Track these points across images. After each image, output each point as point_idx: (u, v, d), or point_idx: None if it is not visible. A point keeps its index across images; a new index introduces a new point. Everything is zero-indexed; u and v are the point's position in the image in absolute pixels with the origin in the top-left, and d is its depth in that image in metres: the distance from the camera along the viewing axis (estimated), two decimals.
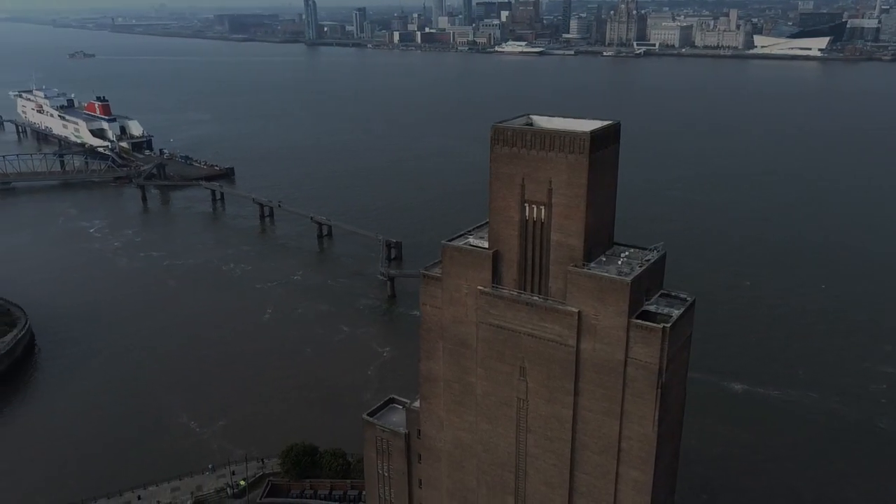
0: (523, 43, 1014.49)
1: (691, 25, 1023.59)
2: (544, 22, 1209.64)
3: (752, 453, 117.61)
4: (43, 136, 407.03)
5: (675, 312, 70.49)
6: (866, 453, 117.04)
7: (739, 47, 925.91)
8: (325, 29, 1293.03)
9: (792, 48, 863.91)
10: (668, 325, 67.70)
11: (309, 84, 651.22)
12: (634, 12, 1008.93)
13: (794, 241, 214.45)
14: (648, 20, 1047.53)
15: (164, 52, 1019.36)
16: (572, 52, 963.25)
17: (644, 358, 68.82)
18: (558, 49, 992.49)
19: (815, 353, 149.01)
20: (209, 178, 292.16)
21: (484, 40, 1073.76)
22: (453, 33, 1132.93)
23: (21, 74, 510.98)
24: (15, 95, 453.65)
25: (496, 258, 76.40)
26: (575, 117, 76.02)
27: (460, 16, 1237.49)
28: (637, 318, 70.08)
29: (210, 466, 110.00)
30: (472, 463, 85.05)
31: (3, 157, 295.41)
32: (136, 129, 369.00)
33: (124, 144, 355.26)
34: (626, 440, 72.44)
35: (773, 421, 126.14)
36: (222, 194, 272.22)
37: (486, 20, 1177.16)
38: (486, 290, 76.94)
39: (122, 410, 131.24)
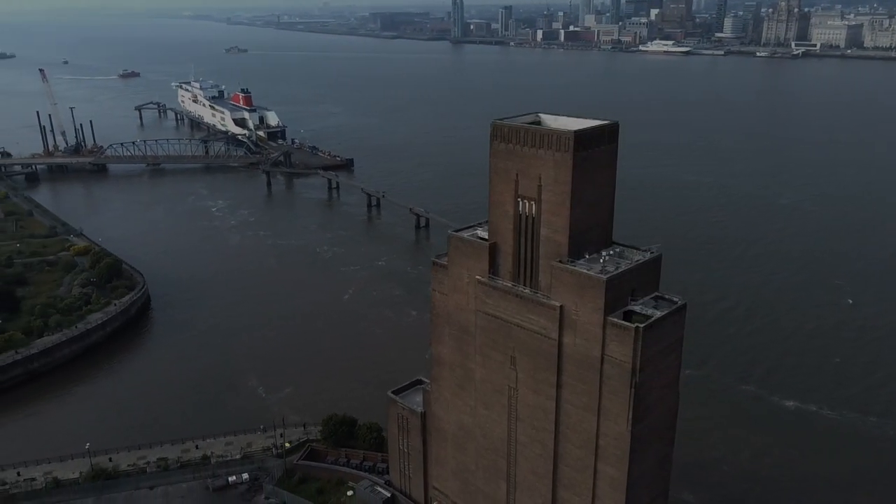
0: (669, 42, 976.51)
1: (861, 24, 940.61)
2: (696, 20, 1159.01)
3: (792, 472, 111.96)
4: (196, 124, 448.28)
5: (657, 314, 70.47)
6: None
7: None
8: (472, 27, 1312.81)
9: None
10: (643, 325, 68.10)
11: (443, 81, 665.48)
12: (796, 10, 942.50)
13: None
14: (812, 18, 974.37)
15: (315, 48, 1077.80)
16: (722, 53, 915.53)
17: (618, 356, 69.72)
18: (707, 49, 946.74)
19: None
20: (330, 168, 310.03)
21: (629, 39, 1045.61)
22: (598, 31, 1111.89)
23: (186, 67, 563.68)
24: (176, 86, 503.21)
25: (493, 250, 79.67)
26: (591, 118, 77.43)
27: (608, 14, 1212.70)
28: (622, 317, 70.99)
29: (261, 427, 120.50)
30: (472, 446, 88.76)
31: (156, 141, 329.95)
32: (272, 119, 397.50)
33: (261, 133, 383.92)
34: (604, 437, 73.47)
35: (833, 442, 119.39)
36: (338, 183, 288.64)
37: (633, 18, 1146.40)
38: (483, 279, 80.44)
39: (205, 370, 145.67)
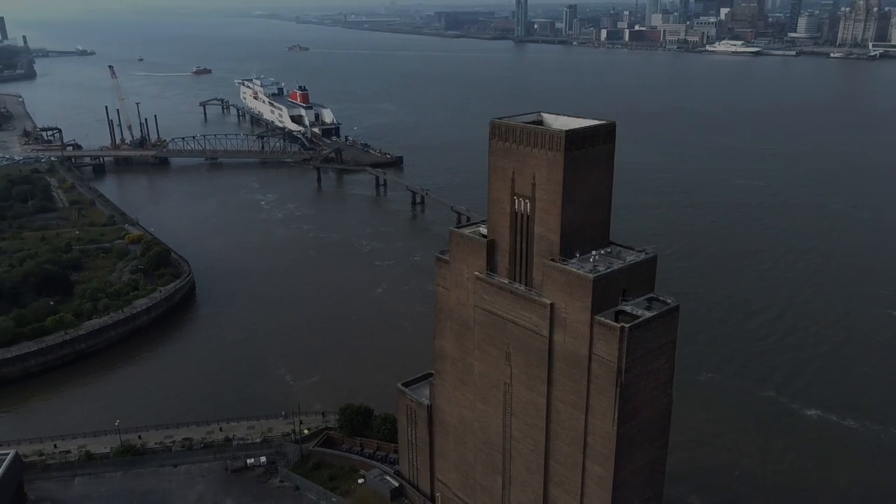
0: (738, 42, 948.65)
1: None
2: (768, 20, 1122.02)
3: (823, 485, 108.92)
4: (256, 120, 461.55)
5: (646, 315, 70.33)
6: None
7: None
8: (535, 26, 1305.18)
9: None
10: (628, 325, 68.19)
11: (503, 80, 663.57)
12: (875, 9, 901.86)
13: None
14: (893, 17, 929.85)
15: (378, 47, 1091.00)
16: (794, 53, 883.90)
17: (605, 355, 70.05)
18: (777, 49, 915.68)
19: None
20: (379, 165, 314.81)
21: (695, 38, 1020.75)
22: (664, 31, 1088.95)
23: (251, 65, 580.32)
24: (239, 83, 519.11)
25: (491, 247, 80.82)
26: (591, 118, 77.67)
27: (676, 13, 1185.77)
28: (612, 317, 71.14)
29: (283, 413, 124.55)
30: (471, 439, 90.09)
31: (215, 136, 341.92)
32: (328, 116, 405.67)
33: (316, 130, 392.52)
34: (591, 435, 73.82)
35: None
36: (385, 180, 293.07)
37: (702, 17, 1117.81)
38: (481, 276, 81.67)
39: (238, 356, 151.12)
